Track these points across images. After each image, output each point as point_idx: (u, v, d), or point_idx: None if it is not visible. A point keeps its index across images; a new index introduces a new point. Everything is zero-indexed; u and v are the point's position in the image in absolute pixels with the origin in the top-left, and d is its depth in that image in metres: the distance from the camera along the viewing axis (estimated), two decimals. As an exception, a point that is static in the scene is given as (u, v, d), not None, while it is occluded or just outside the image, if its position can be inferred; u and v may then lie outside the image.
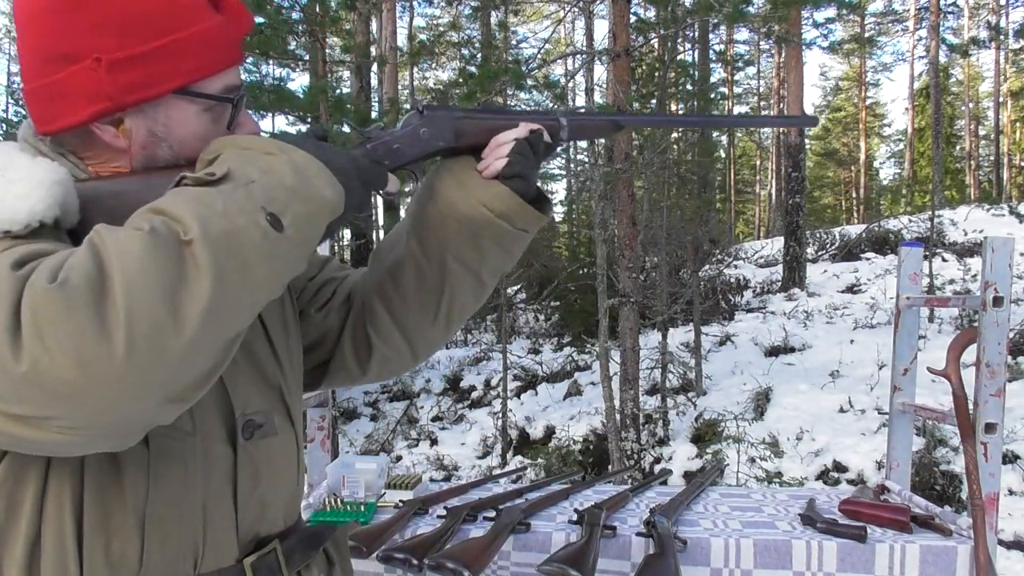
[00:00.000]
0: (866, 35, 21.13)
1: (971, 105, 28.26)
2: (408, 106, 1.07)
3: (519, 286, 12.98)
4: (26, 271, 0.59)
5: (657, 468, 6.23)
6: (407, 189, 0.95)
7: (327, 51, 11.21)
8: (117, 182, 0.81)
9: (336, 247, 13.24)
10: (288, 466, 0.92)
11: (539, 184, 0.99)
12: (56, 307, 0.56)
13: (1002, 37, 17.39)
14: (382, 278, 1.00)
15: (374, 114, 10.38)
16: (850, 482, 5.35)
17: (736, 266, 13.16)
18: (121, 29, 0.75)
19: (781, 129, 17.87)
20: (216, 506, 0.81)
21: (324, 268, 1.09)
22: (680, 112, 15.16)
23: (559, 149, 1.02)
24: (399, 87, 17.02)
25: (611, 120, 1.05)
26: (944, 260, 10.85)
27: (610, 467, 6.19)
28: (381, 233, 13.24)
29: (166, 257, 0.60)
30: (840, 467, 5.55)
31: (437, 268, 0.96)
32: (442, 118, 0.93)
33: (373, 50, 12.56)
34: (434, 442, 8.18)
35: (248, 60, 9.73)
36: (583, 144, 17.16)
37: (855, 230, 14.36)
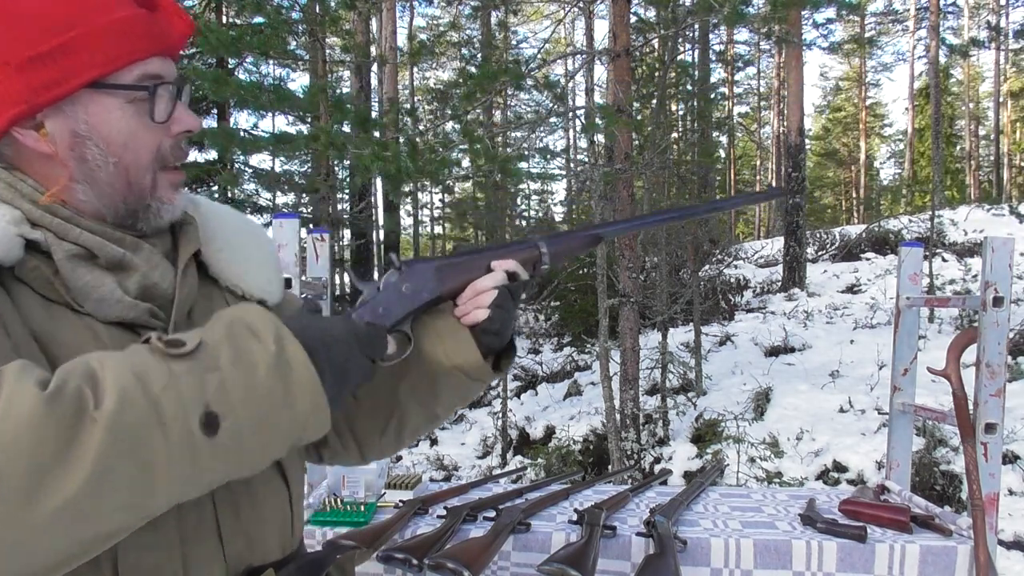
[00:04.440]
0: (866, 35, 21.13)
1: (971, 105, 28.25)
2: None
3: (519, 286, 12.97)
4: None
5: (657, 468, 6.23)
6: (408, 351, 0.91)
7: (327, 51, 11.22)
8: None
9: (337, 247, 13.24)
10: (273, 493, 0.89)
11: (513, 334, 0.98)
12: None
13: (1002, 37, 17.39)
14: None
15: (374, 114, 10.37)
16: (850, 482, 5.35)
17: (736, 266, 13.16)
18: (25, 29, 0.74)
19: (781, 129, 17.87)
20: (197, 541, 0.78)
21: None
22: (680, 112, 15.17)
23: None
24: (399, 87, 17.03)
25: (591, 235, 1.02)
26: (944, 260, 10.85)
27: (610, 467, 6.19)
28: (381, 233, 13.24)
29: (53, 433, 0.54)
30: (840, 467, 5.54)
31: (388, 395, 0.97)
32: (422, 270, 0.90)
33: (373, 50, 12.56)
34: (434, 442, 8.18)
35: (248, 60, 9.73)
36: (583, 144, 17.20)
37: (855, 230, 14.36)
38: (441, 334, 0.93)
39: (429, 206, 25.97)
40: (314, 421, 0.70)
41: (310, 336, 0.72)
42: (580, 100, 15.51)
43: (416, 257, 0.94)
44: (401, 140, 6.25)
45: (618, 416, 6.27)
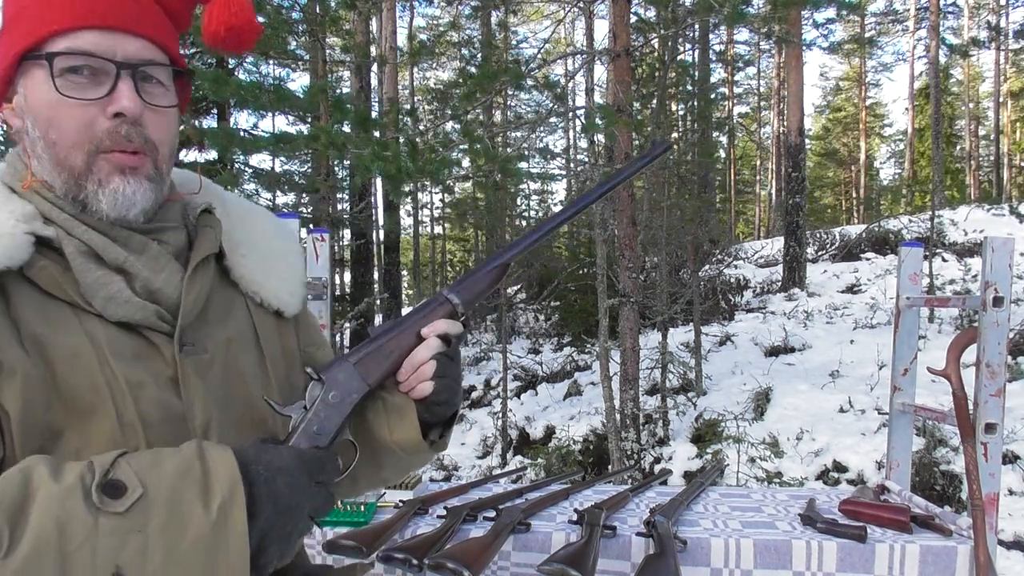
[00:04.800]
0: (866, 35, 21.14)
1: (971, 105, 28.25)
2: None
3: (519, 286, 12.98)
4: None
5: (657, 468, 6.23)
6: (355, 459, 0.88)
7: (327, 51, 11.22)
8: None
9: (337, 247, 13.24)
10: None
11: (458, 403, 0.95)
12: None
13: (1002, 37, 17.39)
14: None
15: (374, 114, 10.38)
16: (850, 482, 5.35)
17: (736, 266, 13.16)
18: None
19: (781, 129, 17.87)
20: None
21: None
22: (680, 112, 15.17)
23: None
24: (399, 87, 17.02)
25: (496, 266, 0.97)
26: (944, 260, 10.85)
27: (610, 467, 6.19)
28: (381, 233, 13.24)
29: None
30: (840, 467, 5.54)
31: None
32: (340, 371, 0.86)
33: (373, 50, 12.56)
34: (434, 442, 8.17)
35: (248, 60, 9.73)
36: (583, 144, 17.20)
37: (855, 230, 14.36)
38: (388, 410, 0.91)
39: (429, 206, 25.99)
40: None
41: (255, 475, 0.69)
42: (580, 100, 15.52)
43: (331, 361, 0.88)
44: (401, 140, 6.25)
45: (618, 416, 6.27)
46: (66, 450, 0.74)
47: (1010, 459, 5.09)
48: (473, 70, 6.54)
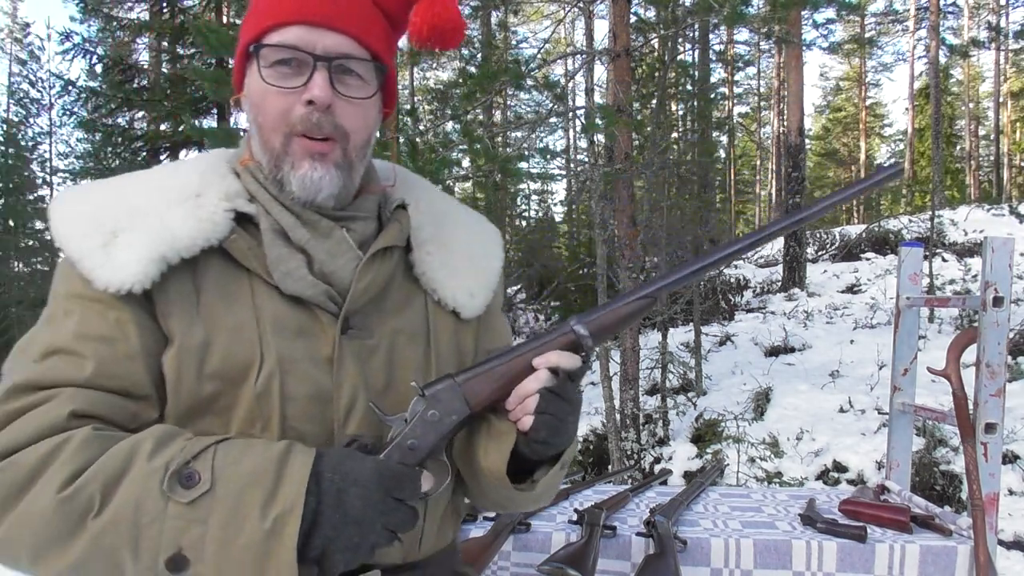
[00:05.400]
0: (866, 35, 21.13)
1: (971, 105, 28.24)
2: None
3: (519, 286, 12.98)
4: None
5: (657, 468, 6.23)
6: (446, 482, 0.86)
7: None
8: None
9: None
10: None
11: (572, 435, 0.89)
12: None
13: (1002, 37, 17.39)
14: None
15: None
16: (850, 482, 5.34)
17: (736, 266, 13.15)
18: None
19: (781, 129, 17.86)
20: None
21: None
22: (680, 112, 15.15)
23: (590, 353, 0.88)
24: (399, 87, 16.99)
25: (638, 299, 0.88)
26: (944, 260, 10.84)
27: (610, 467, 6.19)
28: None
29: (56, 527, 0.69)
30: (840, 467, 5.54)
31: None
32: (445, 390, 0.84)
33: (373, 50, 12.51)
34: (434, 442, 8.16)
35: (248, 60, 9.71)
36: (583, 144, 17.21)
37: (855, 230, 14.35)
38: (491, 434, 0.89)
39: (429, 206, 25.93)
40: None
41: (327, 483, 0.73)
42: (580, 100, 15.51)
43: (439, 378, 0.86)
44: (401, 140, 6.25)
45: (618, 416, 6.27)
46: (212, 417, 0.82)
47: (1010, 459, 5.09)
48: (473, 70, 6.53)
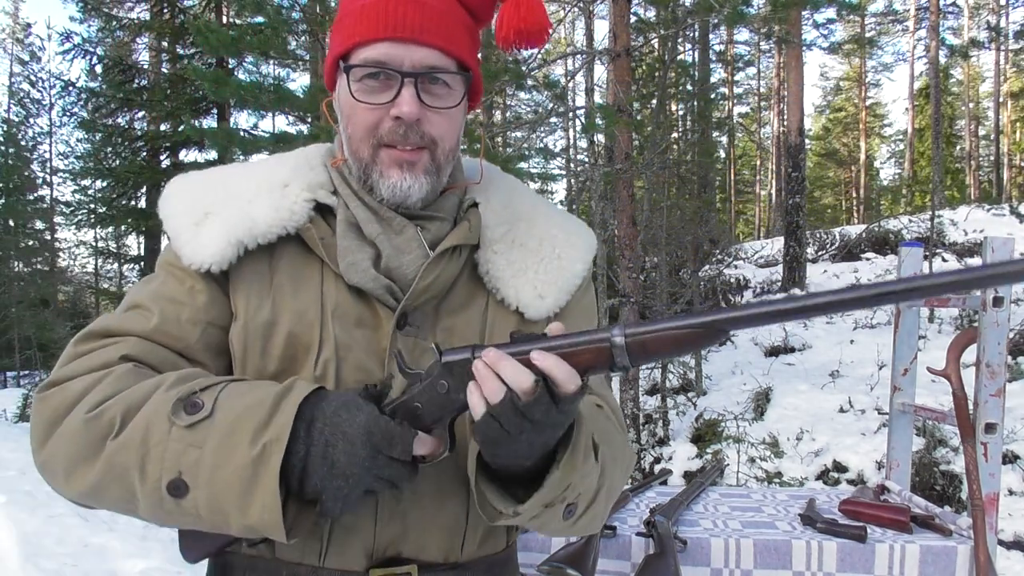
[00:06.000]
0: (866, 35, 21.13)
1: (971, 105, 28.25)
2: None
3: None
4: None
5: (657, 468, 6.23)
6: (443, 453, 0.80)
7: (327, 51, 11.21)
8: None
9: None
10: (449, 495, 0.88)
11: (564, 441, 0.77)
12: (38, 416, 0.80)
13: (1002, 38, 17.38)
14: None
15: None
16: (850, 482, 5.34)
17: (736, 266, 13.15)
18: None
19: (781, 129, 17.85)
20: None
21: None
22: (680, 112, 15.15)
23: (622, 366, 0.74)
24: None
25: (697, 325, 0.73)
26: (944, 260, 10.85)
27: (610, 467, 6.18)
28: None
29: (83, 444, 0.75)
30: (840, 467, 5.54)
31: None
32: (461, 364, 0.76)
33: (373, 50, 12.50)
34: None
35: (248, 60, 9.73)
36: (583, 144, 17.22)
37: (855, 230, 14.35)
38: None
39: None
40: (265, 531, 0.73)
41: (317, 433, 0.73)
42: (580, 100, 15.51)
43: (465, 347, 0.77)
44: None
45: (618, 416, 6.26)
46: None
47: (1010, 459, 5.09)
48: (473, 70, 6.52)
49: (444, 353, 0.78)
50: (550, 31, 0.92)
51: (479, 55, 0.95)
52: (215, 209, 0.88)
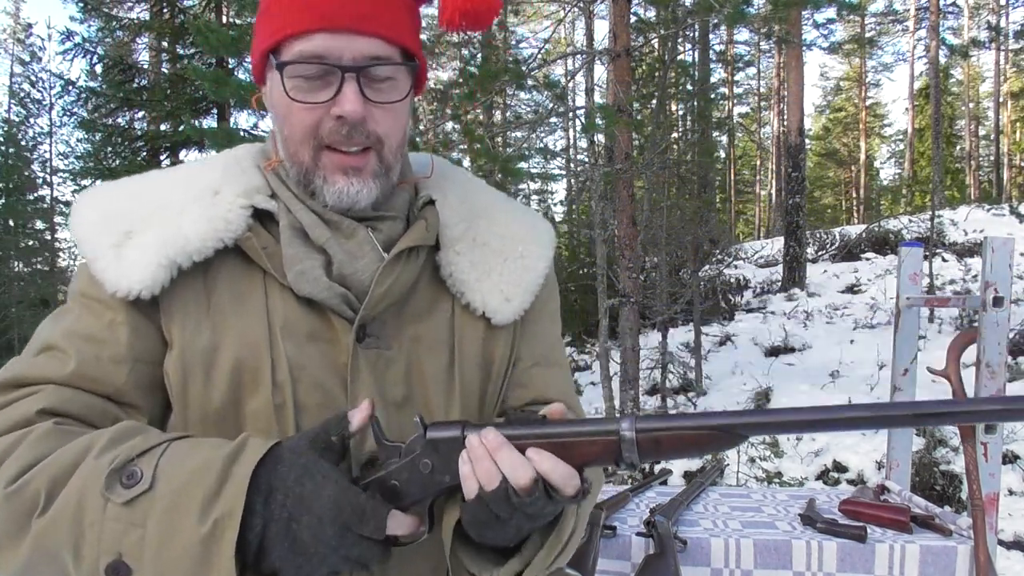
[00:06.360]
0: (866, 35, 21.14)
1: (971, 105, 28.25)
2: None
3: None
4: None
5: (657, 468, 6.23)
6: (423, 535, 0.73)
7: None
8: None
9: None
10: (418, 570, 0.82)
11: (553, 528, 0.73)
12: None
13: (1002, 37, 17.38)
14: None
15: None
16: (850, 482, 5.35)
17: (736, 266, 13.15)
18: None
19: (781, 129, 17.85)
20: None
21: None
22: (680, 112, 15.14)
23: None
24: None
25: (712, 428, 0.67)
26: (944, 260, 10.85)
27: (610, 467, 6.18)
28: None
29: (4, 523, 0.65)
30: (840, 467, 5.54)
31: None
32: (448, 443, 0.70)
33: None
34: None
35: (248, 60, 9.71)
36: (583, 144, 17.22)
37: (855, 230, 14.35)
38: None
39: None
40: None
41: (277, 507, 0.64)
42: (580, 100, 15.52)
43: (451, 422, 0.72)
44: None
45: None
46: (227, 427, 0.77)
47: (1010, 459, 5.09)
48: (473, 70, 6.53)
49: (429, 428, 0.71)
50: (498, 11, 0.85)
51: (422, 37, 0.88)
52: (138, 226, 0.78)
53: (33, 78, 19.85)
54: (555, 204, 21.22)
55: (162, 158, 12.06)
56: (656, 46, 9.90)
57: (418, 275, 0.85)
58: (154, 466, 0.65)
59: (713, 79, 16.17)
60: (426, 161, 0.93)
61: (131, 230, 0.78)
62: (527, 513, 0.68)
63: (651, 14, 8.41)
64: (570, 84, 7.56)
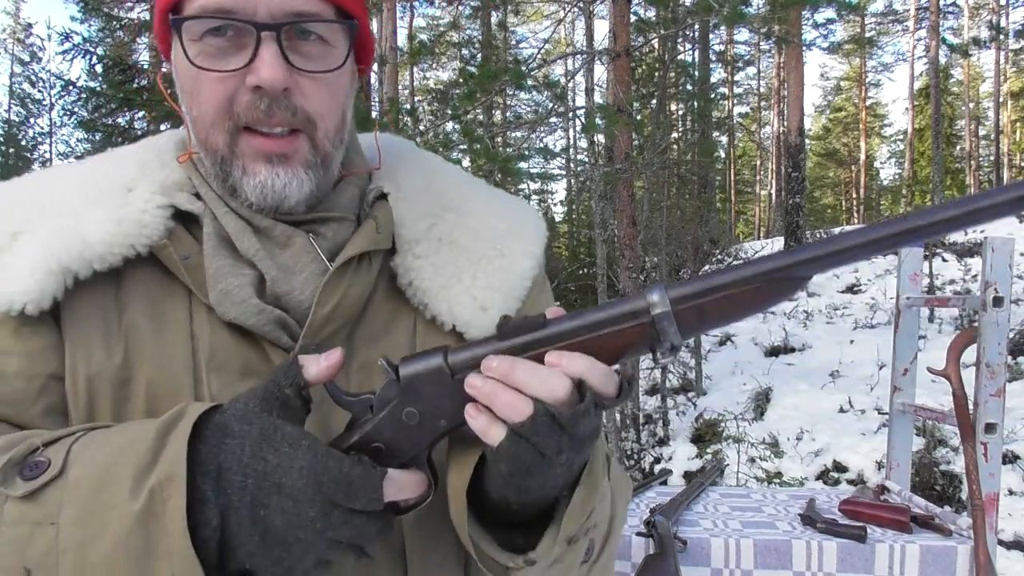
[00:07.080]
0: (866, 35, 21.14)
1: (971, 105, 28.26)
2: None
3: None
4: None
5: (657, 468, 6.23)
6: (429, 495, 0.59)
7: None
8: None
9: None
10: (434, 547, 0.67)
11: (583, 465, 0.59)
12: None
13: (1002, 37, 17.39)
14: None
15: (374, 114, 10.37)
16: (850, 482, 5.35)
17: (736, 266, 13.14)
18: None
19: (781, 129, 17.85)
20: None
21: None
22: (680, 112, 15.15)
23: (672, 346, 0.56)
24: (399, 87, 17.03)
25: (757, 276, 0.54)
26: (944, 260, 10.85)
27: (610, 467, 6.18)
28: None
29: None
30: (840, 467, 5.54)
31: None
32: (430, 379, 0.56)
33: (373, 50, 12.53)
34: (434, 442, 8.16)
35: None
36: (583, 144, 17.23)
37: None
38: (454, 448, 0.61)
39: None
40: None
41: (234, 490, 0.49)
42: (580, 100, 15.52)
43: (423, 353, 0.57)
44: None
45: (618, 416, 6.28)
46: None
47: (1010, 459, 5.09)
48: (473, 70, 6.54)
49: (401, 365, 0.56)
50: None
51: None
52: (27, 227, 0.63)
53: (33, 78, 19.88)
54: (555, 204, 21.25)
55: (162, 158, 12.08)
56: (656, 46, 9.90)
57: (372, 288, 0.69)
58: (65, 452, 0.51)
59: (713, 79, 16.19)
60: (386, 146, 0.77)
61: (19, 232, 0.63)
62: (579, 436, 0.53)
63: (651, 14, 8.42)
64: (570, 84, 7.57)
